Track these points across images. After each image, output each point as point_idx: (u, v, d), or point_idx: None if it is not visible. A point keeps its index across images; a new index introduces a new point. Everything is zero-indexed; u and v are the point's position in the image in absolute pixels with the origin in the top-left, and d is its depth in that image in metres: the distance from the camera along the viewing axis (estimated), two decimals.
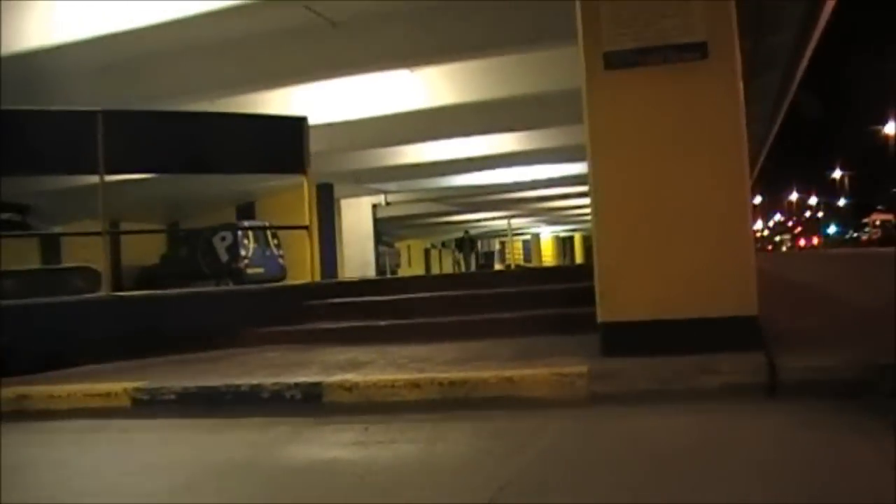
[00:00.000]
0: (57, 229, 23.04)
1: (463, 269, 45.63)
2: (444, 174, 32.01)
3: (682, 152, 6.03)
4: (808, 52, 20.04)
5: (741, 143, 6.05)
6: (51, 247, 25.89)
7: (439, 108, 18.71)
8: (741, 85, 6.08)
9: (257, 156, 10.83)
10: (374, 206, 37.34)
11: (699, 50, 5.99)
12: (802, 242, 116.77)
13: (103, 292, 10.37)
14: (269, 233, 26.27)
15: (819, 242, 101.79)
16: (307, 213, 10.98)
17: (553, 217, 59.31)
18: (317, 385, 5.95)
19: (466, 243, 44.50)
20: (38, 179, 20.21)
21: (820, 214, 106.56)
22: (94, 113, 9.48)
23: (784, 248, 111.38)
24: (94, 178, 9.86)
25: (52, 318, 8.77)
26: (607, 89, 6.17)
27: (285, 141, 10.77)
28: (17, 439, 5.52)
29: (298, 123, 10.96)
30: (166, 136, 10.19)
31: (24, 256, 22.73)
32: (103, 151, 9.36)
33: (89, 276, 16.29)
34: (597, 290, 6.17)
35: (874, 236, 61.78)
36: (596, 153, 6.20)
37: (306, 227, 11.02)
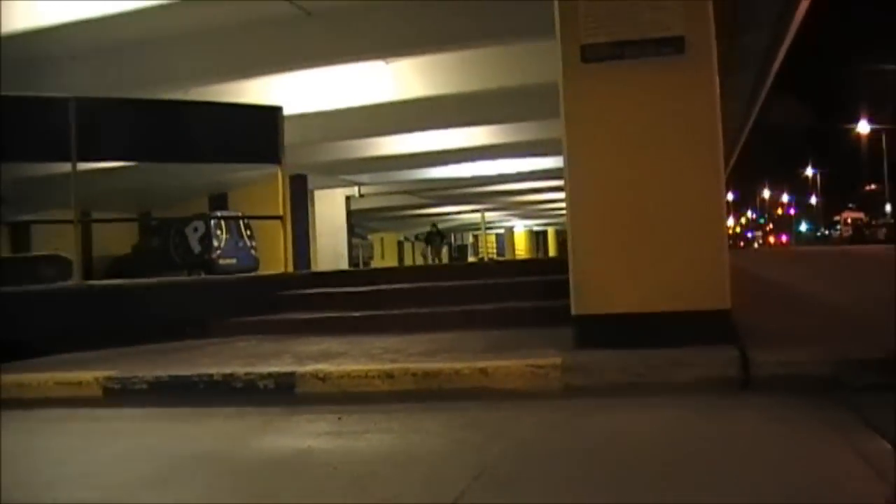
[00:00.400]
0: (27, 218, 22.90)
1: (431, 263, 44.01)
2: (418, 167, 31.98)
3: (658, 146, 6.05)
4: (783, 51, 20.15)
5: (717, 139, 6.08)
6: (21, 235, 25.71)
7: (414, 100, 18.70)
8: (717, 81, 6.11)
9: (231, 145, 10.77)
10: (348, 198, 37.27)
11: (676, 45, 6.00)
12: (772, 240, 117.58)
13: (74, 281, 10.29)
14: (241, 224, 26.18)
15: (787, 241, 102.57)
16: (281, 204, 10.93)
17: (527, 211, 59.51)
18: (290, 375, 5.93)
19: (436, 237, 42.74)
20: (8, 167, 20.04)
21: (792, 212, 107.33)
22: (66, 99, 9.40)
23: (756, 245, 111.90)
24: (65, 167, 9.80)
25: (21, 306, 8.68)
26: (584, 82, 6.18)
27: (260, 130, 10.72)
28: None
29: (273, 113, 10.91)
30: (140, 123, 10.11)
31: None
32: (76, 138, 9.28)
33: (60, 265, 16.21)
34: (571, 282, 6.18)
35: (845, 234, 62.25)
36: (571, 146, 6.20)
37: (280, 218, 10.99)
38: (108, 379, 6.30)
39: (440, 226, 46.92)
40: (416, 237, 65.37)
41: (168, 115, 10.46)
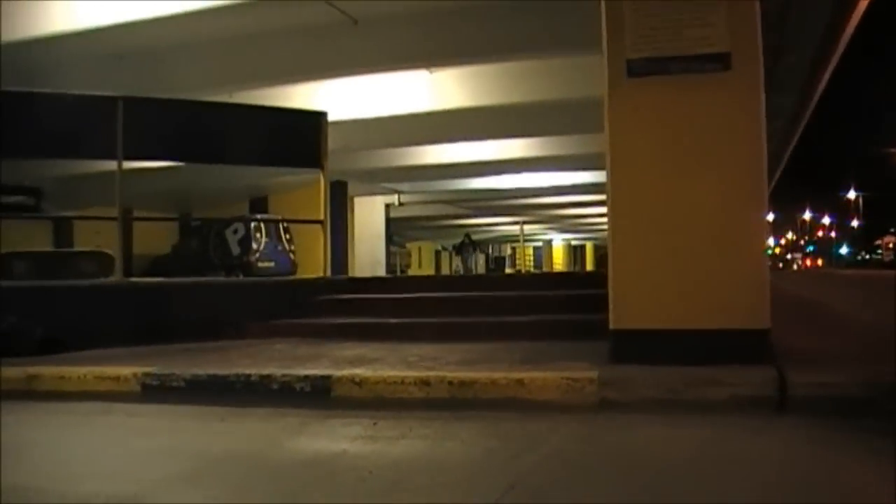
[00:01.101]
0: (69, 214, 23.13)
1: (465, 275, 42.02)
2: (458, 177, 31.94)
3: (701, 163, 6.03)
4: (828, 72, 19.98)
5: (760, 157, 6.05)
6: (63, 231, 25.98)
7: (456, 110, 18.68)
8: (763, 98, 6.08)
9: (275, 148, 10.85)
10: (387, 206, 37.28)
11: (722, 61, 5.99)
12: (808, 262, 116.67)
13: (116, 278, 10.39)
14: (281, 227, 26.28)
15: (822, 264, 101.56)
16: (322, 208, 10.98)
17: (565, 225, 59.23)
18: (326, 378, 5.96)
19: (468, 248, 41.32)
20: (53, 164, 20.28)
21: (832, 234, 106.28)
22: (114, 99, 9.51)
23: (795, 267, 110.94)
24: (108, 165, 9.90)
25: (64, 301, 8.80)
26: (629, 97, 6.17)
27: (303, 135, 10.79)
28: (24, 419, 5.54)
29: (317, 118, 10.99)
30: (185, 124, 10.21)
31: (37, 240, 22.82)
32: (122, 137, 9.38)
33: (102, 262, 16.32)
34: (610, 296, 6.17)
35: (886, 258, 61.72)
36: (615, 160, 6.20)
37: (320, 222, 11.03)
38: (147, 375, 6.37)
39: (477, 237, 46.59)
40: (453, 247, 65.45)
41: (213, 117, 10.55)
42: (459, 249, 41.35)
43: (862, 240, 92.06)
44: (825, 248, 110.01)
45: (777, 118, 22.87)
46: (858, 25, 16.33)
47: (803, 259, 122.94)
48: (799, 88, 20.69)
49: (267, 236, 26.25)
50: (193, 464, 4.17)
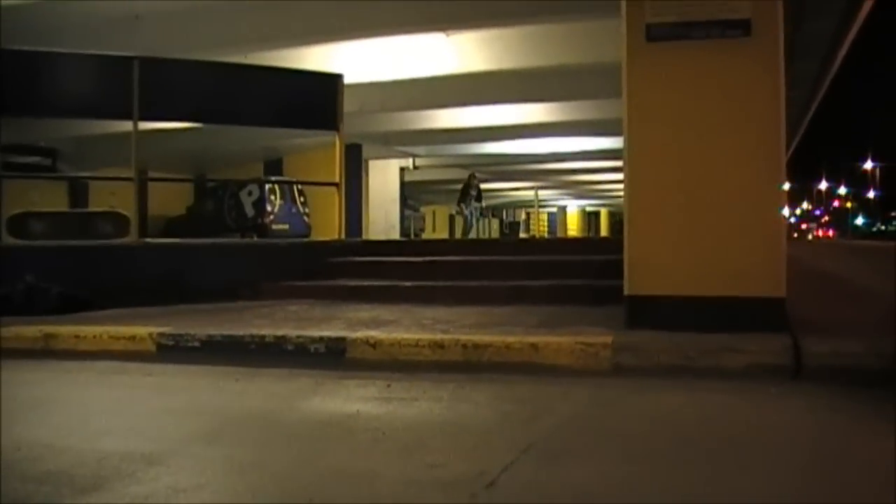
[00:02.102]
0: (84, 174, 23.18)
1: (458, 235, 34.64)
2: (473, 141, 31.82)
3: (720, 130, 6.00)
4: (849, 40, 19.78)
5: (779, 125, 6.01)
6: (78, 192, 26.04)
7: (473, 73, 18.56)
8: (783, 66, 6.02)
9: (291, 110, 10.83)
10: (402, 170, 37.16)
11: (743, 27, 5.94)
12: (820, 233, 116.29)
13: (132, 238, 10.43)
14: (296, 190, 26.27)
15: (833, 235, 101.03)
16: (338, 171, 10.97)
17: (580, 191, 59.07)
18: (341, 340, 5.98)
19: (469, 195, 27.64)
20: (69, 125, 20.28)
21: (848, 205, 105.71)
22: (131, 59, 9.49)
23: (810, 237, 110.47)
24: (123, 126, 9.92)
25: (81, 260, 8.85)
26: (648, 61, 6.14)
27: (319, 97, 10.78)
28: (41, 377, 5.59)
29: (333, 80, 10.96)
30: (202, 85, 10.21)
31: (52, 200, 22.90)
32: (138, 98, 9.38)
33: (118, 222, 16.38)
34: (625, 262, 6.16)
35: None
36: (632, 125, 6.17)
37: (336, 185, 11.03)
38: (162, 335, 6.40)
39: (492, 202, 45.38)
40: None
41: (230, 79, 10.53)
42: (461, 194, 27.83)
43: (878, 211, 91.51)
44: (841, 219, 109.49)
45: (796, 86, 22.69)
46: None
47: (817, 230, 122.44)
48: (819, 56, 20.51)
49: (282, 198, 26.25)
50: (210, 423, 4.20)
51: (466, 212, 27.19)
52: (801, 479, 3.21)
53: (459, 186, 28.37)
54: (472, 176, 28.59)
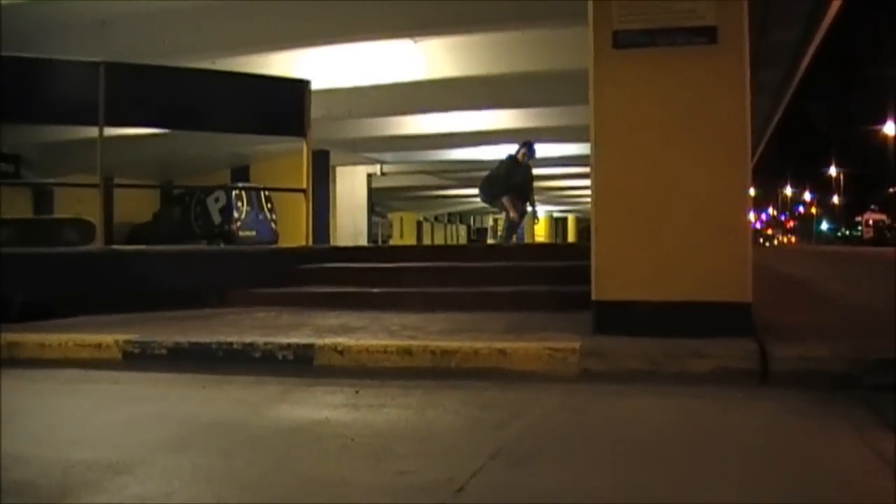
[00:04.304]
0: (49, 181, 23.00)
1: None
2: (441, 147, 31.92)
3: (686, 136, 6.03)
4: (812, 49, 20.01)
5: (745, 132, 6.05)
6: (43, 198, 25.84)
7: (440, 80, 18.63)
8: (748, 73, 6.07)
9: (258, 116, 10.81)
10: (370, 176, 37.19)
11: (709, 34, 5.98)
12: (785, 240, 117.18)
13: (97, 245, 10.34)
14: (262, 196, 26.20)
15: (796, 241, 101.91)
16: (305, 177, 10.94)
17: (547, 197, 59.26)
18: (309, 347, 5.95)
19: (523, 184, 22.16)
20: (32, 131, 20.14)
21: (813, 210, 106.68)
22: (96, 64, 9.43)
23: (776, 243, 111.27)
24: (89, 132, 9.83)
25: (45, 268, 8.76)
26: (614, 68, 6.16)
27: (287, 103, 10.74)
28: (6, 386, 5.50)
29: (300, 86, 10.92)
30: (168, 91, 10.13)
31: (16, 207, 22.69)
32: (104, 103, 9.31)
33: (83, 229, 16.26)
34: (592, 267, 6.18)
35: (867, 235, 61.96)
36: (599, 132, 6.20)
37: (303, 191, 11.00)
38: (128, 343, 6.34)
39: (459, 208, 45.32)
40: (436, 218, 65.19)
41: (196, 84, 10.46)
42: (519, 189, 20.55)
43: (843, 216, 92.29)
44: (806, 225, 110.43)
45: (761, 93, 22.91)
46: (843, 3, 16.37)
47: (782, 236, 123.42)
48: (784, 64, 20.73)
49: (248, 205, 26.17)
50: (178, 431, 4.17)
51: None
52: (767, 482, 3.24)
53: (427, 194, 28.26)
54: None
